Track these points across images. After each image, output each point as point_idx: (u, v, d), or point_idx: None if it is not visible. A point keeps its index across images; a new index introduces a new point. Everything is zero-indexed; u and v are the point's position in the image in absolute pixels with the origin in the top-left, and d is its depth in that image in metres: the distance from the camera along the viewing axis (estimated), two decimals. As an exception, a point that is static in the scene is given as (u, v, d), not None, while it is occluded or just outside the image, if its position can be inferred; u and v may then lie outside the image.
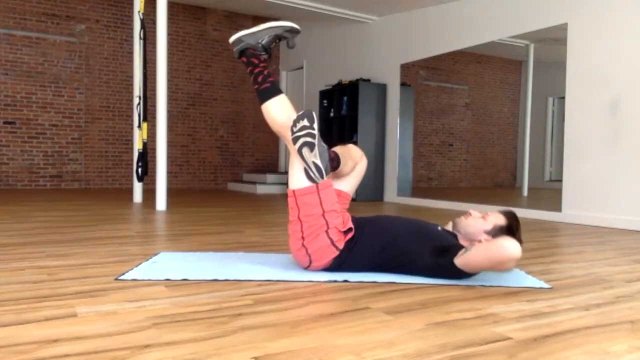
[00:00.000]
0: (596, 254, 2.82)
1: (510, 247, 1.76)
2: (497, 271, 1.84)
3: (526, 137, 5.61)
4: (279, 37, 2.22)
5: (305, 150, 1.96)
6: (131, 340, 1.26)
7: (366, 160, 2.29)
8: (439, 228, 2.14)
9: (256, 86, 2.15)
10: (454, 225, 2.13)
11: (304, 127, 1.96)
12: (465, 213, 2.15)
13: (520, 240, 1.94)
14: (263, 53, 2.20)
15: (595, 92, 4.29)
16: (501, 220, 2.05)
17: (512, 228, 2.03)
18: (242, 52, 2.20)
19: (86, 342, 1.24)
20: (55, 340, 1.25)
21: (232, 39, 2.21)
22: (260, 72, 2.15)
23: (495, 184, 6.21)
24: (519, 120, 5.73)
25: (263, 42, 2.19)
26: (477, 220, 2.06)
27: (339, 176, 2.19)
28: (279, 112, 2.10)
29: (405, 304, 1.65)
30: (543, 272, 2.23)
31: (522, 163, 5.63)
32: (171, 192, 4.89)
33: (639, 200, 3.97)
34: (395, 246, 2.02)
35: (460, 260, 1.89)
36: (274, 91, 2.12)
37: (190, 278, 1.92)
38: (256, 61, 2.18)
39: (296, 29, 2.22)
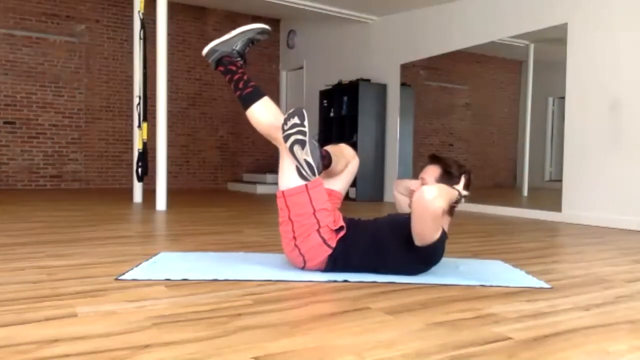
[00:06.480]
0: (596, 254, 2.82)
1: (421, 194, 1.80)
2: (434, 219, 1.80)
3: (526, 137, 5.60)
4: (252, 41, 2.21)
5: (296, 148, 1.95)
6: (131, 340, 1.26)
7: (358, 159, 2.29)
8: (407, 216, 2.13)
9: (238, 92, 2.13)
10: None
11: (294, 125, 1.95)
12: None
13: (463, 169, 2.01)
14: (239, 59, 2.20)
15: (595, 92, 4.29)
16: (436, 172, 2.05)
17: (448, 170, 2.03)
18: (218, 62, 2.19)
19: (86, 342, 1.24)
20: (55, 340, 1.25)
21: (205, 50, 2.20)
22: (240, 79, 2.15)
23: (495, 184, 6.21)
24: (519, 120, 5.72)
25: (237, 48, 2.18)
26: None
27: (331, 175, 2.19)
28: (265, 114, 2.09)
29: (405, 304, 1.65)
30: (543, 272, 2.22)
31: (522, 163, 5.62)
32: (171, 192, 4.88)
33: (639, 200, 3.97)
34: (378, 248, 2.01)
35: (415, 240, 1.89)
36: (258, 94, 2.11)
37: (190, 278, 1.92)
38: (234, 68, 2.17)
39: (267, 29, 2.22)
